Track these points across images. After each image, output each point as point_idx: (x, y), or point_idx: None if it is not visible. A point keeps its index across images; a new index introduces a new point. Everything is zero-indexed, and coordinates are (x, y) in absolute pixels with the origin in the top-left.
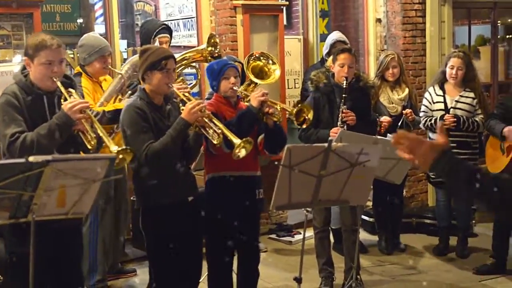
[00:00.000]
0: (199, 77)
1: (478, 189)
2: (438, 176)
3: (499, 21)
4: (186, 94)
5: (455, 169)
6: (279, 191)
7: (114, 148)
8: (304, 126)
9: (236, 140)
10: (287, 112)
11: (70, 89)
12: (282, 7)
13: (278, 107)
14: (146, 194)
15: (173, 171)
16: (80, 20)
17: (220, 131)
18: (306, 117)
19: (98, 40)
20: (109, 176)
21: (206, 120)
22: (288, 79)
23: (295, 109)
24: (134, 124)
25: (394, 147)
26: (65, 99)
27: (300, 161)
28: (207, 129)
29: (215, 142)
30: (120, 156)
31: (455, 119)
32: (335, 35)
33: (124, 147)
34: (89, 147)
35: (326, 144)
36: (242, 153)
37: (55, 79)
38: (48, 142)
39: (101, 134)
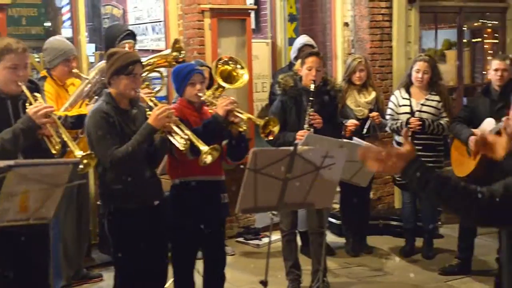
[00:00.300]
0: (164, 82)
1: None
2: (406, 182)
3: (465, 26)
4: (153, 99)
5: (424, 177)
6: (245, 195)
7: (78, 153)
8: (270, 138)
9: (203, 147)
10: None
11: (36, 94)
12: (250, 11)
13: (245, 117)
14: (112, 198)
15: (139, 175)
16: (47, 24)
17: (187, 137)
18: (272, 130)
19: (62, 43)
20: (72, 181)
21: (173, 126)
22: (256, 83)
23: (263, 121)
24: (99, 128)
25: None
26: (30, 103)
27: (266, 164)
28: (174, 135)
29: (181, 148)
30: (85, 161)
31: (421, 122)
32: (303, 39)
33: (88, 152)
34: (54, 151)
35: (291, 148)
36: (209, 159)
37: (20, 83)
38: (12, 147)
39: (66, 139)
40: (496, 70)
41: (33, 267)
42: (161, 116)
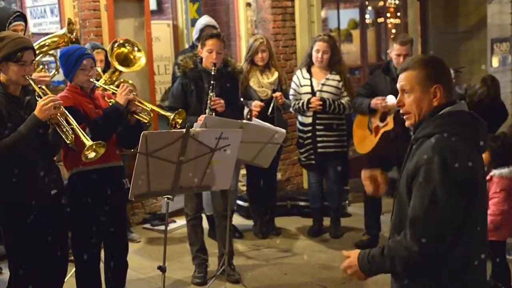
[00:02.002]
0: (58, 65)
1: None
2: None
3: (370, 6)
4: (43, 87)
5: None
6: (137, 179)
7: None
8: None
9: (88, 142)
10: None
11: None
12: None
13: (148, 108)
14: (3, 188)
15: (32, 164)
16: None
17: (72, 130)
18: (177, 120)
19: None
20: None
21: (60, 118)
22: (158, 65)
23: (171, 115)
24: None
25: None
26: None
27: (158, 147)
28: (61, 127)
29: (67, 141)
30: None
31: (321, 102)
32: (204, 20)
33: None
34: None
35: (183, 130)
36: (91, 155)
37: None
38: None
39: None
40: (398, 55)
41: None
42: (46, 107)
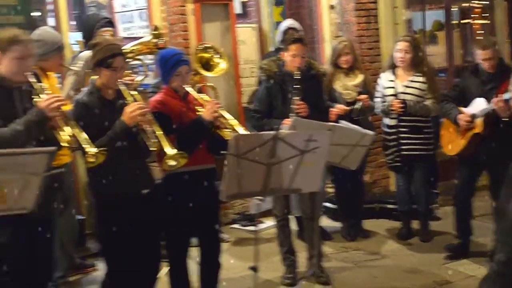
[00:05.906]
0: (145, 70)
1: None
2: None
3: (455, 6)
4: (134, 93)
5: None
6: (229, 181)
7: (92, 150)
8: None
9: (169, 152)
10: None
11: (43, 84)
12: None
13: (229, 126)
14: (98, 188)
15: (124, 165)
16: (36, 13)
17: (156, 138)
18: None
19: (55, 35)
20: (49, 170)
21: (145, 125)
22: (244, 68)
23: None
24: (79, 120)
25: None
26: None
27: (248, 149)
28: (147, 133)
29: (152, 148)
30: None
31: (402, 105)
32: (287, 22)
33: (101, 148)
34: (63, 144)
35: (273, 132)
36: (171, 163)
37: (27, 74)
38: (25, 139)
39: (74, 133)
40: (484, 60)
41: (40, 258)
42: (132, 114)
